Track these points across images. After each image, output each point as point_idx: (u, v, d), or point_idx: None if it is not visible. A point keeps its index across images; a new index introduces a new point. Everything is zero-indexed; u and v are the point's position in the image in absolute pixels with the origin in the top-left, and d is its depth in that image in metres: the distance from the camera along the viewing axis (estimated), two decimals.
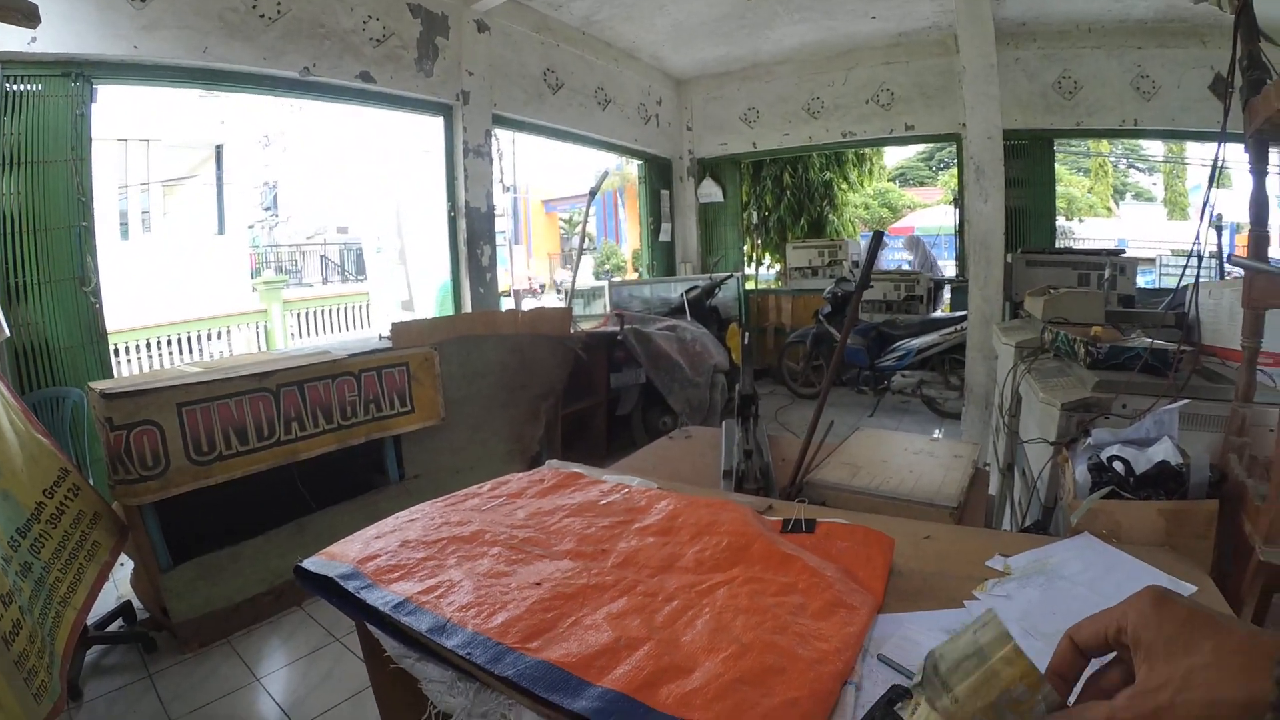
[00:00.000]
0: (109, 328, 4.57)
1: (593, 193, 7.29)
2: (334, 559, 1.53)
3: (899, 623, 1.33)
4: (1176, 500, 1.69)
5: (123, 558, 3.70)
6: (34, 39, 3.98)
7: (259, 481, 3.84)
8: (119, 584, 4.14)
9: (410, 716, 1.28)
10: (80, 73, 4.30)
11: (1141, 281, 8.68)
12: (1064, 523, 1.93)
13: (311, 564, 1.52)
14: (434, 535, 1.61)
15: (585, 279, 12.55)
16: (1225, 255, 5.49)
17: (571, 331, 5.68)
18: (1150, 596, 0.63)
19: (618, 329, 6.06)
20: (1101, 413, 2.62)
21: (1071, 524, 1.73)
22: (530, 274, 18.89)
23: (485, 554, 1.53)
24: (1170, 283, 9.56)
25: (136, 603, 3.92)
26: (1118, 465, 1.86)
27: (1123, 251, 6.60)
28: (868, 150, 13.31)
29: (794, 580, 1.43)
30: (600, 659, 1.16)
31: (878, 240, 2.53)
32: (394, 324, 4.57)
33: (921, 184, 26.59)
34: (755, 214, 12.25)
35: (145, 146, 13.32)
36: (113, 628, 3.77)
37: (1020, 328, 4.77)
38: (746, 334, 3.37)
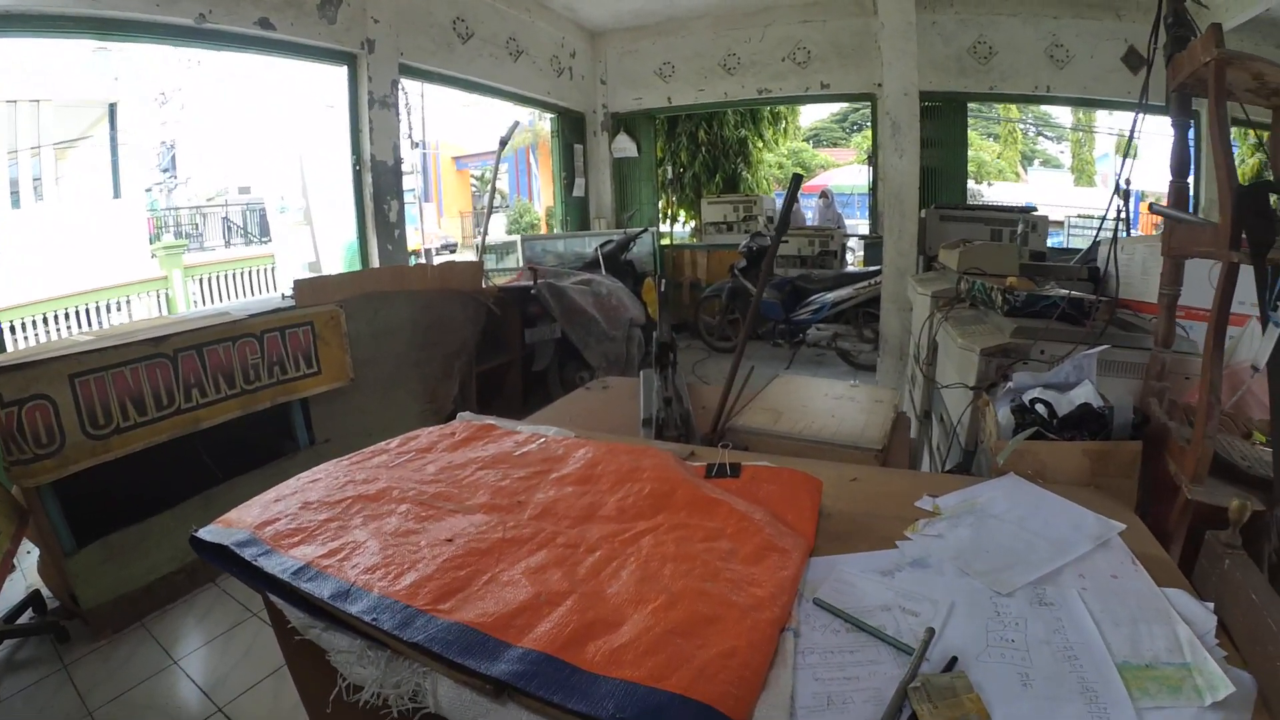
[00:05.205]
0: (3, 304, 4.29)
1: (503, 142, 7.12)
2: (230, 526, 1.42)
3: (832, 565, 1.32)
4: (1100, 441, 1.73)
5: (29, 545, 3.55)
6: None
7: (161, 454, 3.65)
8: (26, 573, 3.91)
9: (327, 690, 1.19)
10: None
11: (1050, 242, 8.92)
12: (987, 464, 1.96)
13: (207, 533, 1.41)
14: (338, 495, 1.52)
15: (498, 236, 12.34)
16: (1132, 219, 5.69)
17: (483, 286, 5.55)
18: None
19: (531, 284, 5.93)
20: (1020, 358, 2.68)
21: (998, 464, 1.75)
22: (443, 232, 18.48)
23: (393, 512, 1.44)
24: (1078, 243, 9.84)
25: (46, 591, 3.71)
26: (1040, 408, 1.89)
27: (1034, 210, 6.74)
28: (783, 109, 13.31)
29: (721, 525, 1.39)
30: (519, 617, 1.08)
31: (797, 183, 2.48)
32: (296, 281, 4.39)
33: (835, 145, 27.03)
34: (670, 170, 12.13)
35: (35, 107, 12.62)
36: (23, 619, 3.55)
37: (935, 279, 4.84)
38: (664, 281, 3.31)
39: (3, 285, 4.30)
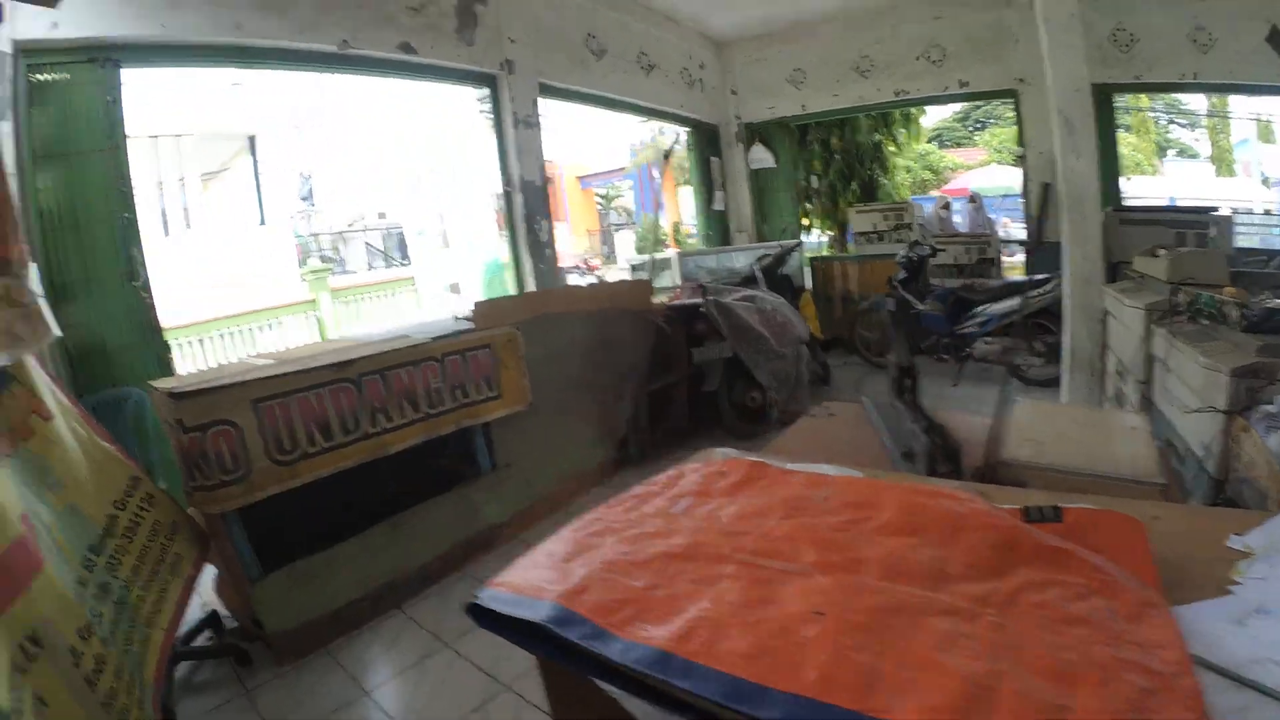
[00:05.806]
0: (164, 325, 4.38)
1: (666, 155, 7.05)
2: (522, 593, 1.22)
3: (1183, 617, 1.14)
4: None
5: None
6: (56, 24, 3.74)
7: (343, 479, 3.59)
8: (202, 591, 3.83)
9: None
10: (108, 57, 4.06)
11: None
12: (1251, 495, 1.90)
13: (495, 602, 1.21)
14: (641, 553, 1.31)
15: (631, 254, 12.30)
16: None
17: (653, 304, 5.43)
18: None
19: (699, 301, 5.75)
20: (1270, 379, 2.49)
21: None
22: (573, 251, 18.62)
23: (720, 575, 1.23)
24: (1241, 242, 9.15)
25: (223, 611, 3.69)
26: None
27: (1217, 209, 6.31)
28: (912, 110, 12.89)
29: (1086, 580, 1.18)
30: (971, 715, 0.88)
31: (1046, 191, 2.25)
32: (476, 303, 4.36)
33: (958, 145, 26.14)
34: (809, 179, 11.78)
35: (176, 141, 13.20)
36: (200, 640, 3.53)
37: (1136, 289, 4.62)
38: (895, 290, 3.11)
39: (163, 308, 4.37)
